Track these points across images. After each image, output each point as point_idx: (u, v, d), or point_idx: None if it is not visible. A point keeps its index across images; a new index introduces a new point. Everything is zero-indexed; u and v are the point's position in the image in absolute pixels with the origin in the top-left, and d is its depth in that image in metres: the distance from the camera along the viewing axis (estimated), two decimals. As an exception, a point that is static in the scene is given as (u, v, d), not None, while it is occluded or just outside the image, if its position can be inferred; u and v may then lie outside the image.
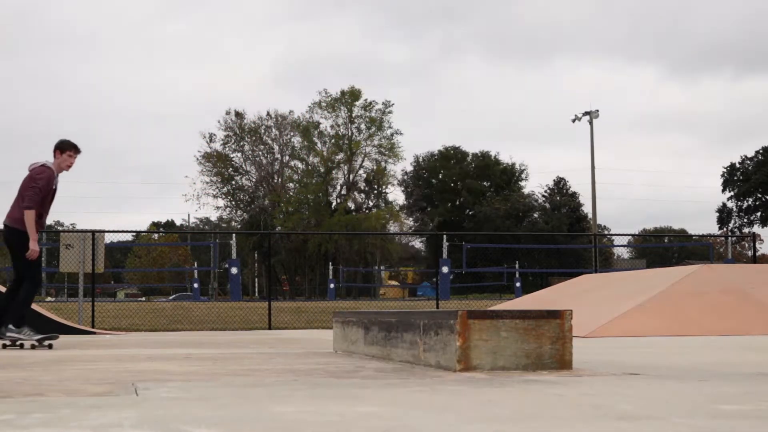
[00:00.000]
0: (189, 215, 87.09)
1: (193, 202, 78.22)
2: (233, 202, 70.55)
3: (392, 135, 67.51)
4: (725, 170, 77.77)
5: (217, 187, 68.44)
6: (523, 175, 76.85)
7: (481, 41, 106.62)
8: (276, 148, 69.11)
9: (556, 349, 4.80)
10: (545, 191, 73.63)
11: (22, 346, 8.28)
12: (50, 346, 8.30)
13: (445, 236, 42.09)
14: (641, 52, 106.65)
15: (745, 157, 77.38)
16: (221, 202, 69.74)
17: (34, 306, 14.47)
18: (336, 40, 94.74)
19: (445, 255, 37.73)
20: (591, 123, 53.68)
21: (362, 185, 69.33)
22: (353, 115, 67.11)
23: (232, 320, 18.00)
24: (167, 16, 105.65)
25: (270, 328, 16.57)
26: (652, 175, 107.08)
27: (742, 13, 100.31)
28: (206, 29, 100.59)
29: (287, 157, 69.19)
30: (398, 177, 72.08)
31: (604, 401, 3.38)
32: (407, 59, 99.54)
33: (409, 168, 75.55)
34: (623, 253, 60.74)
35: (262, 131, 68.86)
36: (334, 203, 67.92)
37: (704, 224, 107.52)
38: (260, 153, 69.23)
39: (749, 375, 4.65)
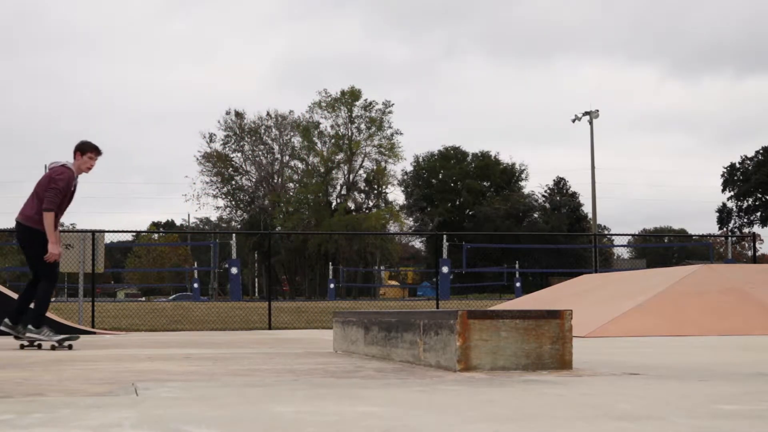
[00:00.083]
0: (189, 215, 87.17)
1: (193, 202, 78.39)
2: (233, 202, 70.60)
3: (392, 135, 67.62)
4: (725, 170, 77.79)
5: (217, 187, 68.52)
6: (523, 175, 76.92)
7: (481, 41, 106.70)
8: (276, 148, 69.18)
9: (556, 349, 4.80)
10: (545, 191, 73.66)
11: (40, 346, 8.14)
12: (70, 347, 8.10)
13: (445, 236, 42.09)
14: (641, 52, 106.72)
15: (745, 157, 77.42)
16: (221, 202, 69.87)
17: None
18: (336, 40, 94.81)
19: (445, 255, 37.74)
20: (591, 123, 53.71)
21: (362, 185, 69.36)
22: (353, 115, 67.16)
23: (232, 320, 18.00)
24: (167, 16, 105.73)
25: (270, 328, 16.57)
26: (652, 175, 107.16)
27: (743, 13, 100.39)
28: (206, 29, 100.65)
29: (287, 157, 69.26)
30: (398, 177, 72.19)
31: (604, 401, 3.38)
32: (407, 59, 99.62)
33: (409, 168, 75.66)
34: (623, 253, 60.83)
35: (262, 131, 68.92)
36: (334, 203, 67.93)
37: (704, 224, 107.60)
38: (260, 153, 69.30)
39: (749, 375, 4.65)
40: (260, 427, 2.70)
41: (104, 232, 17.01)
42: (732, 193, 77.12)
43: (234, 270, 32.35)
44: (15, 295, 14.05)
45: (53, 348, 8.03)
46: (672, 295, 11.94)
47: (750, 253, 39.76)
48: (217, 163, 67.78)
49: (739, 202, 77.41)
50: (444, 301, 24.28)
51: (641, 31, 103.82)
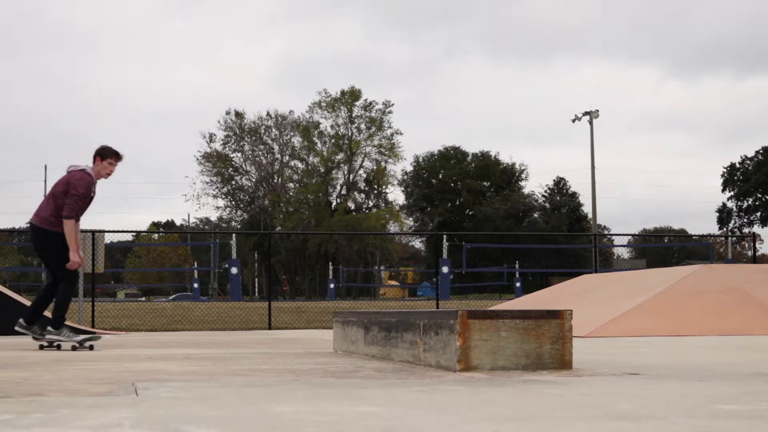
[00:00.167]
0: (189, 215, 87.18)
1: (193, 202, 78.37)
2: (233, 202, 70.59)
3: (392, 135, 67.61)
4: (725, 170, 77.78)
5: (217, 187, 68.51)
6: (523, 175, 76.90)
7: (481, 41, 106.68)
8: (276, 148, 69.17)
9: (556, 349, 4.80)
10: (545, 191, 73.66)
11: (59, 347, 8.03)
12: (91, 347, 7.98)
13: (445, 236, 42.08)
14: (641, 52, 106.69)
15: (745, 157, 77.41)
16: (221, 202, 69.85)
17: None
18: (336, 40, 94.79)
19: (445, 255, 37.73)
20: (591, 123, 53.71)
21: (362, 185, 69.36)
22: (353, 115, 67.15)
23: (232, 320, 18.00)
24: (167, 16, 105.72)
25: (270, 328, 16.57)
26: (652, 175, 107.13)
27: (743, 13, 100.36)
28: (206, 29, 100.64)
29: (287, 157, 69.26)
30: (398, 177, 72.17)
31: (604, 401, 3.38)
32: (407, 59, 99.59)
33: (409, 168, 75.65)
34: (623, 253, 60.83)
35: (262, 131, 68.92)
36: (334, 203, 67.94)
37: (704, 224, 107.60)
38: (260, 153, 69.30)
39: (749, 375, 4.65)
40: (260, 427, 2.70)
41: (104, 232, 17.01)
42: (732, 193, 77.13)
43: (234, 270, 32.34)
44: (15, 296, 14.07)
45: (74, 348, 7.91)
46: (672, 295, 11.94)
47: (750, 253, 39.77)
48: (217, 163, 67.78)
49: (739, 202, 77.41)
50: (444, 301, 24.27)
51: (641, 31, 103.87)
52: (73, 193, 7.94)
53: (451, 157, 76.30)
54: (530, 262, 61.49)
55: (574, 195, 72.52)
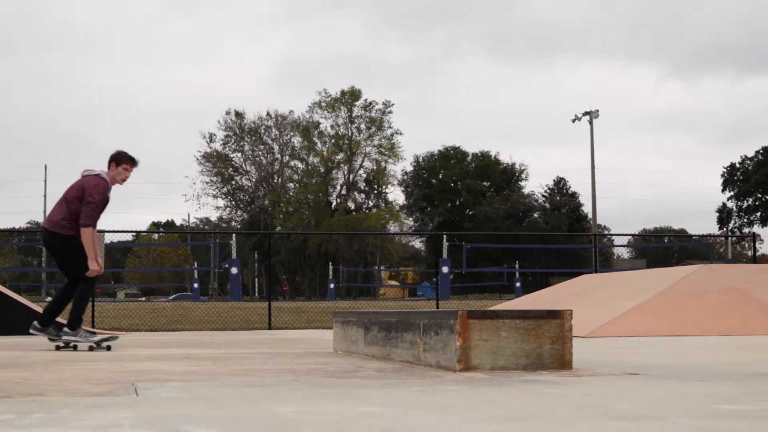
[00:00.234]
0: (189, 215, 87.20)
1: (193, 202, 78.40)
2: (233, 202, 70.59)
3: (392, 135, 67.61)
4: (725, 170, 77.78)
5: (217, 187, 68.51)
6: (523, 175, 76.92)
7: (481, 41, 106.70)
8: (276, 148, 69.17)
9: (556, 349, 4.80)
10: (545, 191, 73.66)
11: (75, 347, 7.94)
12: (109, 348, 7.88)
13: (445, 236, 42.08)
14: (641, 52, 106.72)
15: (745, 157, 77.41)
16: (221, 202, 69.85)
17: (33, 306, 14.47)
18: (336, 40, 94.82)
19: (445, 255, 37.73)
20: (591, 123, 53.70)
21: (362, 185, 69.35)
22: (353, 115, 67.15)
23: (232, 320, 17.99)
24: (167, 16, 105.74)
25: (270, 328, 16.56)
26: (652, 175, 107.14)
27: (743, 13, 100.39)
28: (206, 29, 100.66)
29: (287, 157, 69.26)
30: (398, 177, 72.18)
31: (604, 401, 3.38)
32: (407, 59, 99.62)
33: (409, 168, 75.66)
34: (623, 253, 60.88)
35: (262, 131, 68.92)
36: (334, 203, 67.93)
37: (704, 224, 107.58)
38: (260, 153, 69.30)
39: (749, 375, 4.65)
40: (260, 427, 2.70)
41: (104, 232, 17.02)
42: (732, 193, 77.13)
43: (234, 270, 32.33)
44: (15, 296, 14.07)
45: (91, 349, 7.81)
46: (672, 295, 11.94)
47: (750, 253, 39.77)
48: (217, 163, 67.78)
49: (739, 202, 77.41)
50: (444, 301, 24.27)
51: (641, 31, 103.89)
52: (89, 200, 7.81)
53: (451, 157, 76.30)
54: (530, 262, 61.50)
55: (574, 195, 72.53)
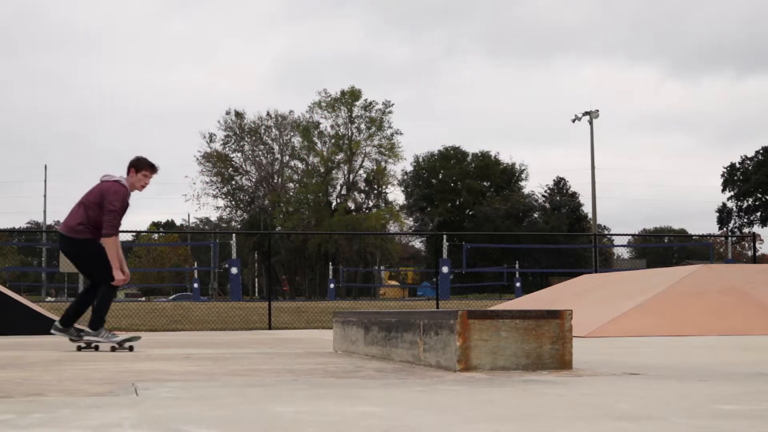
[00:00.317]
0: (189, 215, 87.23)
1: (193, 202, 78.39)
2: (233, 202, 70.61)
3: (392, 135, 67.62)
4: (725, 170, 77.79)
5: (217, 187, 68.53)
6: (523, 175, 76.94)
7: (481, 41, 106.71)
8: (276, 148, 69.19)
9: (556, 349, 4.80)
10: (545, 191, 73.67)
11: (97, 348, 7.85)
12: (131, 348, 7.73)
13: (445, 236, 42.09)
14: (641, 52, 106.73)
15: (745, 157, 77.42)
16: (221, 202, 69.87)
17: (33, 306, 14.47)
18: (336, 40, 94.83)
19: (445, 255, 37.73)
20: (591, 123, 53.69)
21: (362, 185, 69.36)
22: (353, 115, 67.16)
23: (232, 320, 17.99)
24: (167, 16, 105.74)
25: (270, 328, 16.56)
26: (652, 175, 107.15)
27: (743, 13, 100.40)
28: (206, 29, 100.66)
29: (287, 157, 69.28)
30: (398, 177, 72.19)
31: (604, 401, 3.38)
32: (407, 59, 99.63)
33: (409, 168, 75.68)
34: (623, 253, 60.86)
35: (262, 131, 68.93)
36: (334, 203, 67.94)
37: (704, 224, 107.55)
38: (260, 153, 69.31)
39: (749, 375, 4.65)
40: (260, 427, 2.70)
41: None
42: (732, 193, 77.13)
43: (234, 270, 32.34)
44: (15, 296, 14.07)
45: (113, 350, 7.68)
46: (672, 295, 11.93)
47: (750, 253, 39.77)
48: (217, 163, 67.79)
49: (739, 202, 77.42)
50: (444, 301, 24.27)
51: (641, 31, 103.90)
52: (110, 209, 7.67)
53: (451, 157, 76.31)
54: (530, 262, 61.51)
55: (574, 195, 72.54)
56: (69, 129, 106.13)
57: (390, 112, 67.41)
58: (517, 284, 43.74)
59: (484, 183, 75.78)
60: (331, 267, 52.47)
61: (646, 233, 67.01)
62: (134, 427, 2.66)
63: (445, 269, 33.06)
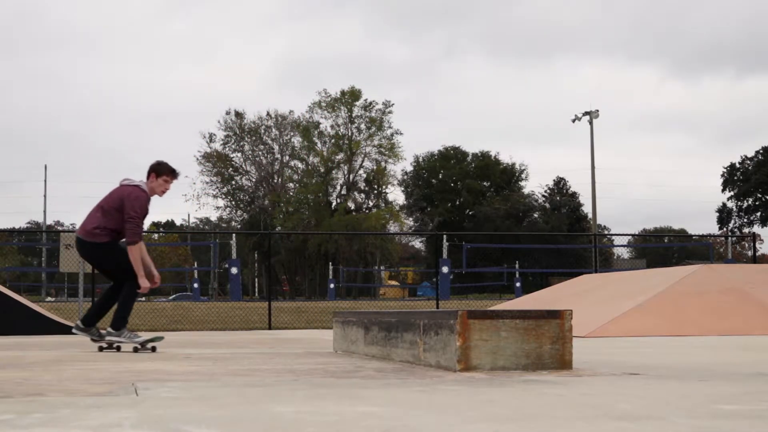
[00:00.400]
0: (189, 215, 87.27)
1: (193, 202, 78.39)
2: (233, 202, 70.60)
3: (392, 135, 67.61)
4: (725, 170, 77.79)
5: (217, 187, 68.51)
6: (523, 175, 76.90)
7: (481, 41, 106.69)
8: (276, 148, 69.18)
9: (556, 349, 4.80)
10: (545, 191, 73.67)
11: (119, 348, 7.69)
12: (154, 349, 7.57)
13: (445, 236, 42.09)
14: (641, 52, 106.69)
15: (745, 157, 77.41)
16: (221, 202, 69.85)
17: (33, 306, 14.47)
18: (336, 40, 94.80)
19: (445, 255, 37.74)
20: (591, 123, 53.70)
21: (362, 185, 69.36)
22: (353, 115, 67.16)
23: (232, 320, 17.99)
24: (167, 16, 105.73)
25: (270, 328, 16.56)
26: (652, 175, 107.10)
27: (743, 13, 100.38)
28: (206, 29, 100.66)
29: (287, 157, 69.26)
30: (398, 177, 72.18)
31: (604, 401, 3.38)
32: (407, 59, 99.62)
33: (409, 168, 75.66)
34: (623, 253, 60.81)
35: (262, 131, 68.92)
36: (334, 203, 67.94)
37: (704, 224, 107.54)
38: (260, 153, 69.30)
39: (749, 375, 4.65)
40: (260, 427, 2.70)
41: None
42: (732, 193, 77.13)
43: (234, 270, 32.34)
44: (15, 296, 14.07)
45: (136, 350, 7.51)
46: (672, 295, 11.94)
47: (750, 253, 39.77)
48: (217, 163, 67.78)
49: (739, 202, 77.41)
50: (444, 301, 24.27)
51: (641, 31, 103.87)
52: (132, 215, 7.51)
53: (451, 157, 76.30)
54: (530, 262, 61.50)
55: (574, 195, 72.53)
56: (69, 129, 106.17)
57: (390, 112, 67.45)
58: (517, 284, 43.74)
59: (484, 183, 75.77)
60: (331, 267, 52.47)
61: (646, 233, 67.02)
62: (134, 427, 2.66)
63: (445, 269, 33.06)
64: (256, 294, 58.37)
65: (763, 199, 75.86)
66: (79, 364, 5.91)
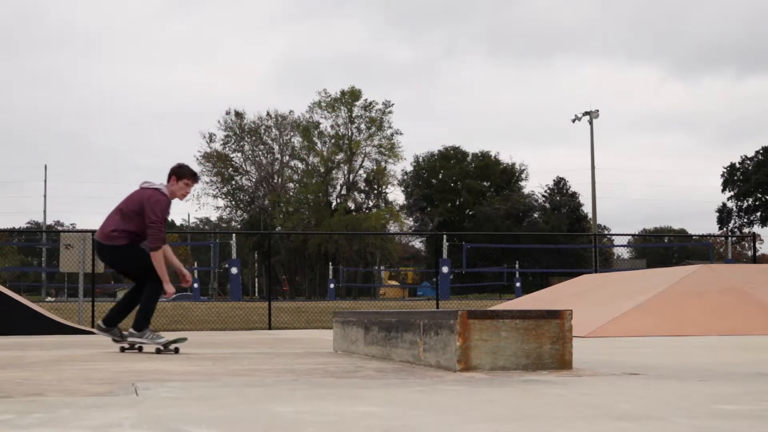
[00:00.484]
0: (189, 215, 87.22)
1: (193, 202, 78.14)
2: (233, 202, 70.61)
3: (392, 135, 67.61)
4: (725, 170, 77.79)
5: (217, 187, 68.51)
6: (523, 175, 76.90)
7: (481, 41, 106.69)
8: (276, 148, 69.18)
9: (556, 349, 4.80)
10: (545, 191, 73.67)
11: (141, 349, 7.54)
12: (176, 350, 7.33)
13: (445, 236, 42.09)
14: (641, 52, 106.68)
15: (745, 157, 77.41)
16: (221, 202, 69.87)
17: (33, 306, 14.47)
18: (336, 40, 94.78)
19: (445, 255, 37.74)
20: (591, 123, 53.70)
21: (362, 185, 69.36)
22: (353, 115, 67.17)
23: (232, 320, 18.00)
24: (167, 16, 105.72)
25: (270, 328, 16.57)
26: (652, 175, 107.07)
27: (743, 13, 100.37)
28: (206, 29, 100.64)
29: (287, 157, 69.27)
30: (398, 177, 72.18)
31: (604, 401, 3.38)
32: (407, 59, 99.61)
33: (409, 168, 75.66)
34: (623, 253, 60.81)
35: (262, 131, 68.93)
36: (334, 203, 67.94)
37: (704, 224, 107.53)
38: (260, 153, 69.31)
39: (749, 375, 4.65)
40: (260, 427, 2.70)
41: (104, 232, 16.99)
42: (732, 193, 77.12)
43: (234, 270, 32.35)
44: (15, 296, 14.07)
45: (158, 351, 7.32)
46: (672, 295, 11.94)
47: (750, 253, 39.77)
48: (217, 163, 67.80)
49: (739, 202, 77.40)
50: (444, 301, 24.27)
51: (641, 31, 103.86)
52: (153, 220, 7.33)
53: (451, 157, 76.31)
54: (530, 262, 61.49)
55: (574, 195, 72.54)
56: (69, 129, 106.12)
57: (390, 112, 67.45)
58: (517, 284, 43.74)
59: (484, 183, 75.77)
60: (331, 267, 52.48)
61: (646, 233, 67.02)
62: (134, 427, 2.66)
63: (445, 269, 33.06)
64: (256, 294, 58.36)
65: (763, 199, 75.86)
66: (79, 364, 5.91)
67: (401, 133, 68.15)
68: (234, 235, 41.35)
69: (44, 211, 68.58)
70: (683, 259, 64.92)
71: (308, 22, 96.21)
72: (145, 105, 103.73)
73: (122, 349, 7.63)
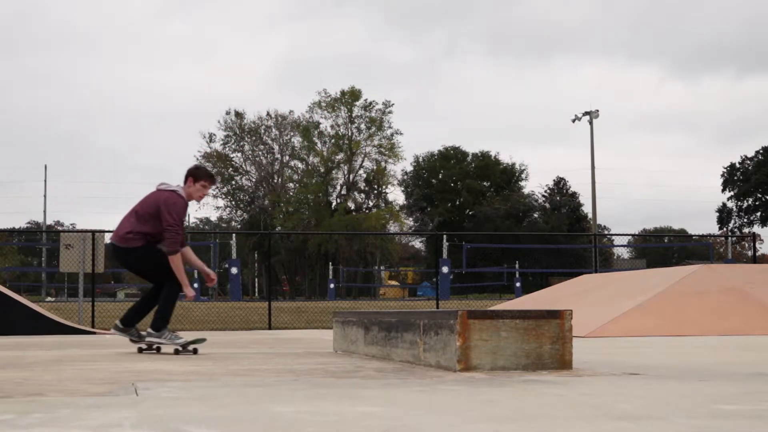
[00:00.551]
0: (189, 215, 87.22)
1: (192, 201, 78.34)
2: (233, 202, 70.63)
3: (392, 135, 67.61)
4: (725, 170, 77.78)
5: (217, 187, 68.51)
6: (523, 175, 76.89)
7: (481, 41, 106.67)
8: (276, 148, 69.19)
9: (556, 349, 4.80)
10: (545, 191, 73.67)
11: (159, 350, 7.42)
12: (195, 351, 7.21)
13: (445, 236, 42.08)
14: (641, 51, 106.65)
15: (745, 157, 77.41)
16: (221, 202, 69.87)
17: (33, 306, 14.48)
18: (336, 40, 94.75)
19: (445, 255, 37.73)
20: (591, 123, 53.69)
21: (362, 185, 69.37)
22: (353, 115, 67.17)
23: (232, 320, 17.99)
24: (167, 16, 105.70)
25: (270, 328, 16.56)
26: (652, 175, 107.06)
27: (743, 13, 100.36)
28: (206, 29, 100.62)
29: (287, 157, 69.28)
30: (398, 177, 72.19)
31: (604, 401, 3.38)
32: (407, 59, 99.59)
33: (409, 168, 75.67)
34: (623, 253, 60.82)
35: (262, 131, 68.94)
36: (334, 203, 67.94)
37: (704, 224, 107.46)
38: (260, 153, 69.32)
39: (749, 375, 4.65)
40: (260, 427, 2.70)
41: (104, 232, 17.00)
42: (732, 193, 77.13)
43: (234, 270, 32.35)
44: (15, 296, 14.07)
45: (176, 352, 7.20)
46: (672, 295, 11.93)
47: (750, 253, 39.76)
48: (217, 163, 67.80)
49: (739, 202, 77.41)
50: (444, 301, 24.26)
51: (641, 31, 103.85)
52: (170, 223, 7.21)
53: (451, 157, 76.31)
54: (530, 262, 61.49)
55: (574, 195, 72.54)
56: (69, 129, 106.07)
57: (390, 112, 67.45)
58: (517, 284, 43.74)
59: (484, 183, 75.77)
60: (331, 267, 52.47)
61: (646, 233, 67.02)
62: (134, 427, 2.66)
63: (445, 269, 33.05)
64: (256, 294, 58.35)
65: (763, 199, 75.86)
66: (79, 364, 5.91)
67: (401, 133, 68.21)
68: (234, 235, 41.37)
69: (44, 211, 68.62)
70: (683, 259, 64.90)
71: (308, 22, 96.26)
72: (145, 105, 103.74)
73: (140, 350, 7.53)
